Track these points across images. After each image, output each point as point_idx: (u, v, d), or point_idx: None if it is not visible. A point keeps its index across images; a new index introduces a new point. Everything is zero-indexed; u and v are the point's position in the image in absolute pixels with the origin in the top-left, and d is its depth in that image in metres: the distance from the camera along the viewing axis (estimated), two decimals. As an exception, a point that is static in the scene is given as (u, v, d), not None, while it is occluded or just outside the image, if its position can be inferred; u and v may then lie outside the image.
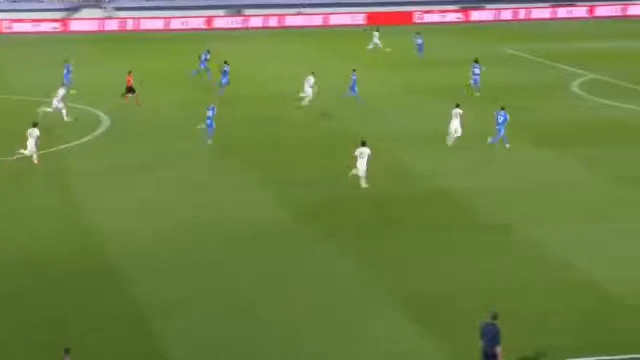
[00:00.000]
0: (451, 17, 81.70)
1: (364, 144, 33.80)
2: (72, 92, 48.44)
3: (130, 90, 47.75)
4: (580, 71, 56.50)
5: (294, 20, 78.96)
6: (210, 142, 39.35)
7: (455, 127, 39.61)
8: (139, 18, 77.37)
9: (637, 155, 38.49)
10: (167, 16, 77.66)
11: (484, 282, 25.91)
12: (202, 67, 54.27)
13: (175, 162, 37.39)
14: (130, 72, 48.14)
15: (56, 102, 43.89)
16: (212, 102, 41.93)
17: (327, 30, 76.61)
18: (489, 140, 39.33)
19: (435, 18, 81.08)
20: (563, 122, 44.27)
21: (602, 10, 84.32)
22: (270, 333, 22.89)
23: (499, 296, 24.72)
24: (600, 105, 47.97)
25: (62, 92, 44.59)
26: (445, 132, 39.85)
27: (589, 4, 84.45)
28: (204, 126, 39.65)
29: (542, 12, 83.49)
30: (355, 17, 79.86)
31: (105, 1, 79.59)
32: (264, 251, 28.12)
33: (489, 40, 69.64)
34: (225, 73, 49.80)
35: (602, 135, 41.90)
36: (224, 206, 32.05)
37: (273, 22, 78.52)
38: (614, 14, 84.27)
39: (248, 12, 79.60)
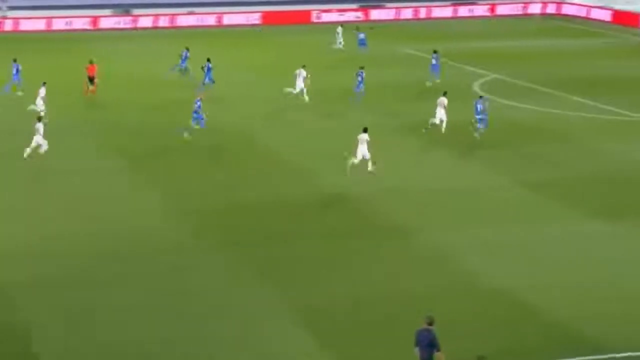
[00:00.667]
0: (350, 16, 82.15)
1: (365, 130, 35.89)
2: (19, 93, 48.41)
3: (92, 80, 49.40)
4: (482, 71, 57.39)
5: (186, 19, 78.31)
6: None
7: (440, 116, 41.43)
8: (18, 18, 75.65)
9: (539, 156, 39.27)
10: (49, 15, 76.04)
11: (389, 289, 26.10)
12: (182, 65, 55.09)
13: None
14: (91, 62, 49.90)
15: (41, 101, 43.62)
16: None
17: (221, 30, 76.16)
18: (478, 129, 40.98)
19: (333, 17, 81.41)
20: (464, 123, 44.76)
21: (503, 9, 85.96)
22: (168, 350, 22.55)
23: (405, 303, 24.96)
24: (502, 106, 48.82)
25: (43, 91, 44.04)
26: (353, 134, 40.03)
27: (490, 2, 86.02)
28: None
29: (442, 11, 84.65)
30: (250, 17, 79.66)
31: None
32: (158, 262, 27.69)
33: (389, 40, 70.24)
34: (208, 70, 51.03)
35: (505, 136, 42.63)
36: (111, 215, 31.53)
37: (163, 22, 77.75)
38: (515, 12, 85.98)
39: (136, 11, 78.63)
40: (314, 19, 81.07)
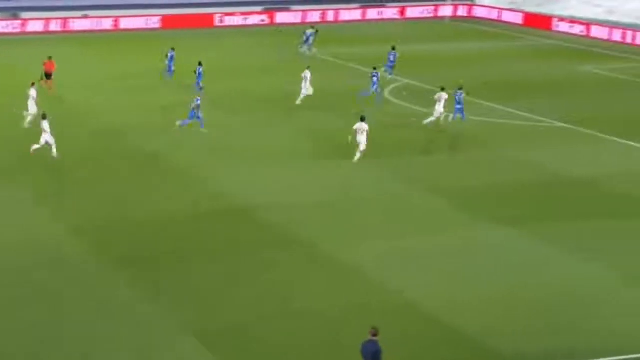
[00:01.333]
0: (254, 20, 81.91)
1: (362, 119, 38.82)
2: None
3: (48, 76, 51.11)
4: (393, 76, 57.56)
5: (80, 23, 77.10)
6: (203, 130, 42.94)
7: (441, 110, 44.02)
8: None
9: (449, 164, 39.69)
10: None
11: (287, 306, 25.95)
12: (169, 69, 56.30)
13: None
14: (50, 58, 52.01)
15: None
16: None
17: (118, 35, 75.14)
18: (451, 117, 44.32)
19: (237, 21, 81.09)
20: (374, 131, 44.87)
21: (413, 11, 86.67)
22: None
23: (310, 321, 24.89)
24: (414, 113, 49.01)
25: (33, 92, 44.21)
26: (254, 145, 39.94)
27: (399, 5, 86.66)
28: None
29: (351, 14, 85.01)
30: (149, 20, 78.86)
31: None
32: (45, 280, 27.06)
33: (295, 44, 70.21)
34: (199, 75, 52.07)
35: (415, 143, 42.81)
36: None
37: (55, 26, 76.36)
38: (425, 15, 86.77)
39: (25, 15, 77.10)
40: (217, 22, 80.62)
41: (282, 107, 49.22)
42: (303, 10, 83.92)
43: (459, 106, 45.37)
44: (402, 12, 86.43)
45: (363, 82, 55.44)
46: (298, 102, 49.59)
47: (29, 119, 43.54)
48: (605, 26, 76.09)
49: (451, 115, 45.18)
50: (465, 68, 58.72)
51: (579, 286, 27.44)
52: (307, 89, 50.14)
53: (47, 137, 38.39)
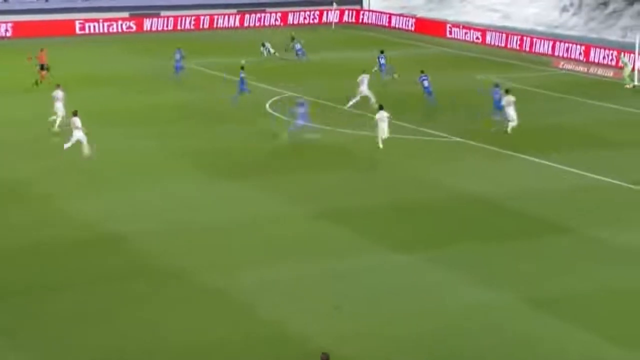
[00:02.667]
0: (121, 27, 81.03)
1: (381, 108, 44.58)
2: None
3: (43, 67, 57.68)
4: (275, 88, 57.45)
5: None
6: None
7: (511, 114, 47.07)
8: None
9: (341, 183, 39.71)
10: None
11: (169, 339, 25.61)
12: (178, 68, 60.42)
13: None
14: (42, 49, 58.50)
15: None
16: None
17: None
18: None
19: (101, 28, 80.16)
20: (254, 149, 44.76)
21: (296, 17, 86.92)
22: None
23: (189, 355, 24.65)
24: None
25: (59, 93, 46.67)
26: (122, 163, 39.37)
27: (281, 9, 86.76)
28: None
29: (228, 20, 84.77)
30: None
31: None
32: None
33: (165, 52, 69.68)
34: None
35: (303, 161, 42.90)
36: None
37: None
38: (309, 21, 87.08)
39: None
40: (77, 30, 79.58)
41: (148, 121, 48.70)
42: (174, 16, 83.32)
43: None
44: (284, 18, 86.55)
45: (243, 95, 55.21)
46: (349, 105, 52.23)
47: (58, 121, 45.81)
48: (502, 32, 77.43)
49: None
50: (354, 79, 58.75)
51: (476, 313, 27.52)
52: (364, 92, 52.38)
53: (78, 134, 41.21)
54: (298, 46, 69.84)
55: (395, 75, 59.53)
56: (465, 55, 73.22)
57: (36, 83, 57.03)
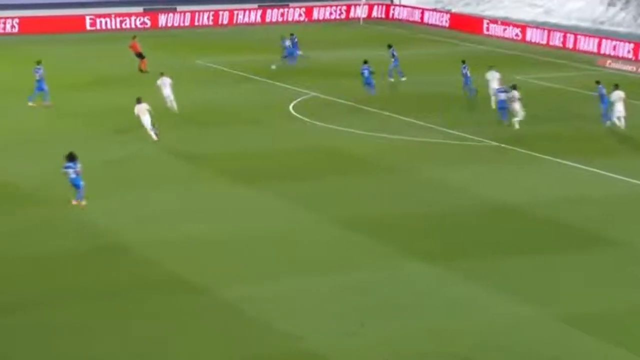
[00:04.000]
0: (134, 22, 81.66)
1: (514, 87, 47.76)
2: None
3: (140, 55, 62.68)
4: (297, 88, 57.81)
5: None
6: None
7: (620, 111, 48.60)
8: None
9: (360, 189, 40.00)
10: None
11: (180, 357, 25.91)
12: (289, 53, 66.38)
13: None
14: (134, 37, 63.81)
15: None
16: None
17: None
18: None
19: (113, 24, 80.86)
20: (276, 152, 45.10)
21: (321, 12, 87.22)
22: None
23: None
24: (321, 130, 49.33)
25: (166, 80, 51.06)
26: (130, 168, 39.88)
27: (305, 4, 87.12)
28: None
29: (248, 16, 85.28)
30: (7, 23, 78.30)
31: None
32: None
33: (180, 50, 70.26)
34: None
35: (322, 165, 43.35)
36: None
37: None
38: (335, 17, 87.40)
39: None
40: (88, 26, 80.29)
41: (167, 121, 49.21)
42: (191, 12, 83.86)
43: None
44: (309, 13, 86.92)
45: (265, 95, 55.63)
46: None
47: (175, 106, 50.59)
48: (543, 29, 77.49)
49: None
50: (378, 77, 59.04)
51: (507, 328, 27.72)
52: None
53: (146, 120, 45.53)
54: (287, 42, 68.37)
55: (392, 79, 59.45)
56: (504, 53, 73.31)
57: (140, 70, 61.85)
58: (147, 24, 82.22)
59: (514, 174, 42.55)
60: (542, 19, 77.53)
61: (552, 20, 77.53)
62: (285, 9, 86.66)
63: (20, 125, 49.45)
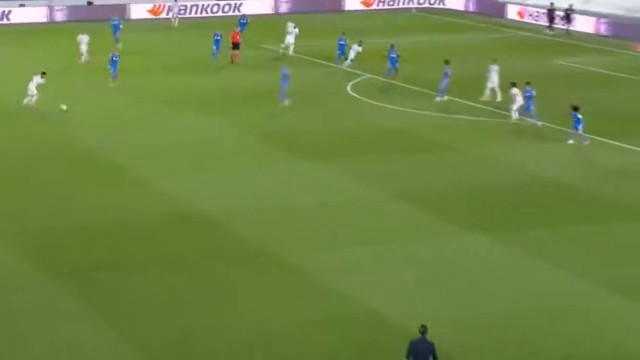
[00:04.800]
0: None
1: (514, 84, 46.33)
2: None
3: (236, 46, 59.69)
4: (355, 71, 57.85)
5: None
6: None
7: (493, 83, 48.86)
8: None
9: (417, 165, 40.13)
10: None
11: (250, 318, 26.17)
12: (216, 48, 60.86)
13: None
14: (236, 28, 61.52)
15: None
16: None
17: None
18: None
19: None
20: (339, 130, 45.35)
21: (377, 1, 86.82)
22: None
23: (264, 336, 25.28)
24: (377, 109, 49.48)
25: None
26: (200, 146, 40.34)
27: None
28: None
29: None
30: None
31: None
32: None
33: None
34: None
35: (379, 142, 43.52)
36: None
37: None
38: (389, 7, 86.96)
39: None
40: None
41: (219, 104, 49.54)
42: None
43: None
44: (367, 2, 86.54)
45: (325, 76, 55.70)
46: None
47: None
48: (584, 16, 76.74)
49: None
50: (432, 62, 58.85)
51: (551, 297, 27.84)
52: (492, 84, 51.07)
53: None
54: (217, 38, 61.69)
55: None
56: (549, 40, 72.75)
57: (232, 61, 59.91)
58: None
59: (558, 151, 42.52)
60: (581, 7, 76.70)
61: (591, 8, 76.77)
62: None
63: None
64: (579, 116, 42.75)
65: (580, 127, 42.78)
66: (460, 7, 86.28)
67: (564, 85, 54.25)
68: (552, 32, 73.83)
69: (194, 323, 25.85)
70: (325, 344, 24.89)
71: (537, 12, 79.57)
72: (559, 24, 74.44)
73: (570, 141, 43.14)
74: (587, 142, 42.90)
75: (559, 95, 49.94)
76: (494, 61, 51.78)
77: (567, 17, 73.90)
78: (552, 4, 75.59)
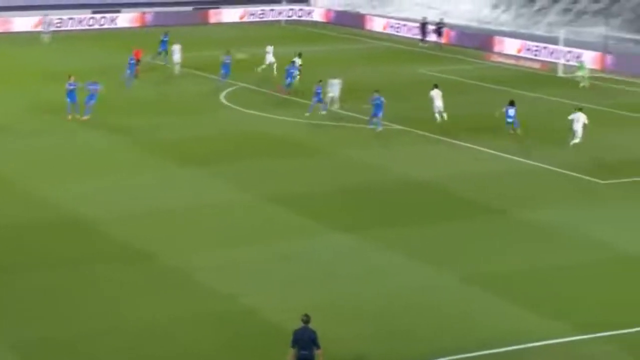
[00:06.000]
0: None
1: (436, 86, 47.05)
2: None
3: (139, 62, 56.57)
4: (228, 80, 57.38)
5: None
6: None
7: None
8: None
9: (287, 169, 39.82)
10: None
11: (129, 317, 25.64)
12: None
13: None
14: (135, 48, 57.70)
15: None
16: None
17: None
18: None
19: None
20: (212, 137, 44.83)
21: (249, 14, 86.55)
22: None
23: (143, 336, 24.59)
24: (250, 117, 49.16)
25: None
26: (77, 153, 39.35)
27: (236, 7, 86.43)
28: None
29: (182, 17, 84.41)
30: None
31: None
32: None
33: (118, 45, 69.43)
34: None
35: (250, 148, 43.11)
36: None
37: None
38: (257, 19, 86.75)
39: None
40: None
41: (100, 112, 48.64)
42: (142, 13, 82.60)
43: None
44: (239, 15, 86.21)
45: (198, 86, 55.30)
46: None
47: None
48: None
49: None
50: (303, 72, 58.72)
51: (417, 291, 27.80)
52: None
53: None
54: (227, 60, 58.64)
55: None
56: (405, 49, 73.44)
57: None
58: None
59: (420, 154, 42.74)
60: (438, 19, 77.55)
61: (447, 20, 77.67)
62: (219, 10, 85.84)
63: None
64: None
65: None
66: (328, 19, 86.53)
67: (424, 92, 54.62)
68: (425, 45, 74.36)
69: (74, 324, 25.11)
70: (205, 340, 24.42)
71: (398, 23, 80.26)
72: (432, 38, 74.88)
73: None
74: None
75: (419, 102, 50.24)
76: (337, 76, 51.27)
77: (439, 31, 74.45)
78: (424, 18, 76.18)
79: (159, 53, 62.80)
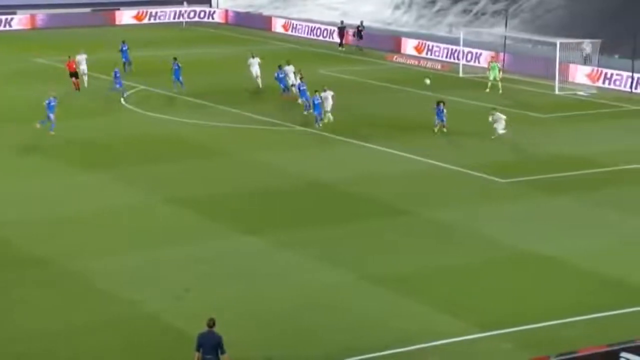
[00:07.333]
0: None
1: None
2: None
3: (74, 74, 54.22)
4: (127, 82, 56.87)
5: None
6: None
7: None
8: None
9: (187, 171, 39.70)
10: None
11: (27, 325, 25.23)
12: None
13: None
14: (69, 57, 55.21)
15: None
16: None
17: None
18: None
19: None
20: (114, 140, 44.43)
21: (150, 15, 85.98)
22: None
23: (54, 339, 24.35)
24: (150, 119, 48.80)
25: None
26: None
27: (135, 8, 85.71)
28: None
29: (79, 18, 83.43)
30: None
31: None
32: None
33: (20, 49, 68.32)
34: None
35: (150, 150, 42.81)
36: None
37: None
38: (161, 21, 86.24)
39: None
40: None
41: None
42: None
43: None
44: (138, 17, 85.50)
45: (97, 89, 54.73)
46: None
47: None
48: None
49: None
50: (199, 74, 58.59)
51: (321, 291, 27.91)
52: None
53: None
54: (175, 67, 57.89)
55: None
56: (308, 50, 73.63)
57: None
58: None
59: (323, 155, 42.91)
60: (339, 20, 78.03)
61: (349, 21, 78.17)
62: (118, 11, 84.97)
63: None
64: None
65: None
66: (230, 20, 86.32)
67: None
68: (343, 49, 74.47)
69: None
70: (106, 346, 24.17)
71: (300, 25, 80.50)
72: (351, 41, 74.87)
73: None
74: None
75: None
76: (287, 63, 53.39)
77: (359, 34, 74.57)
78: (342, 22, 76.24)
79: (125, 64, 60.70)
